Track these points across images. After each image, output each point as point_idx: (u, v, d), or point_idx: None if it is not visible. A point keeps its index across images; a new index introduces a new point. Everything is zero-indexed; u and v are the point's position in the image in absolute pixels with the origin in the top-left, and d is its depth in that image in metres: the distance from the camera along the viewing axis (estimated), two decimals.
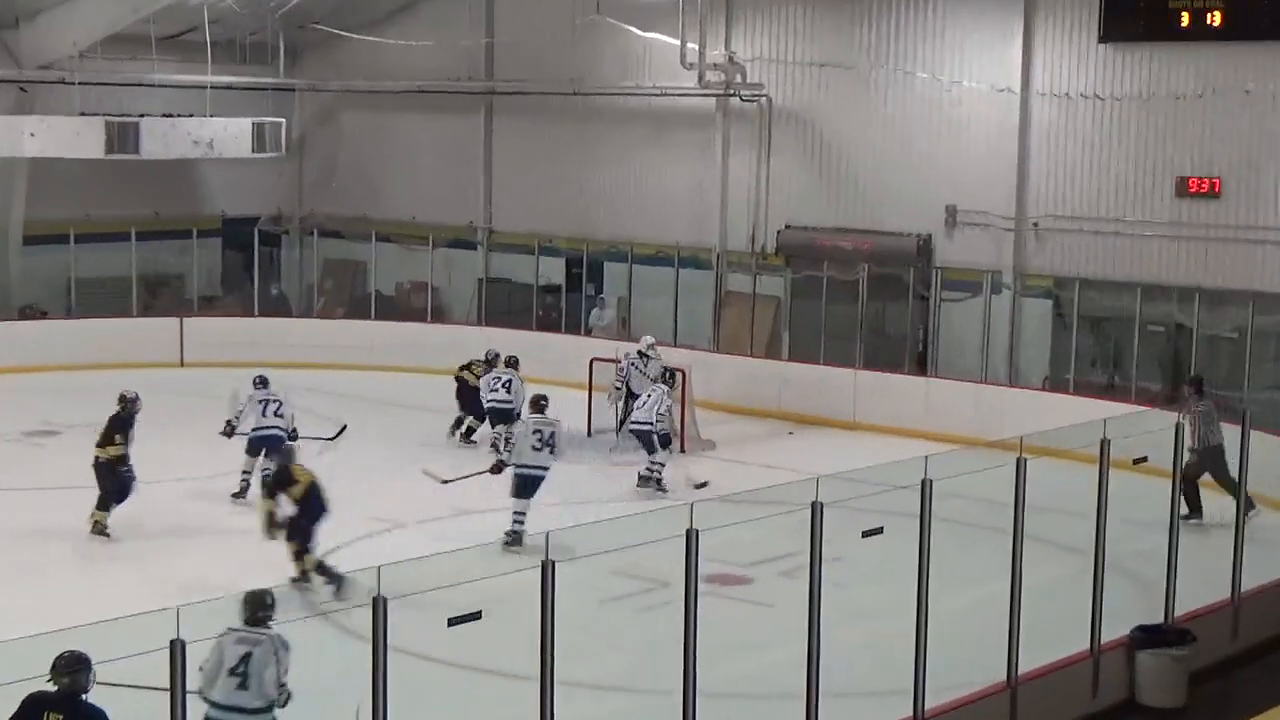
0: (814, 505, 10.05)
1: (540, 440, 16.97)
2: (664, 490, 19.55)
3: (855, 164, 26.56)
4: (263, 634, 9.83)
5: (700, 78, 27.20)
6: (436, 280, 30.10)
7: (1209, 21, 22.85)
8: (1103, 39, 23.91)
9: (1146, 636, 12.82)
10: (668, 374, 21.26)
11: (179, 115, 27.97)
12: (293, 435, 18.54)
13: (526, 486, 16.89)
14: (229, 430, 19.17)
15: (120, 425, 17.18)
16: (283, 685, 9.73)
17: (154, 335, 27.86)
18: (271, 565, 15.68)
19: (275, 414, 18.59)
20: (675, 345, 25.73)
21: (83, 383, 25.93)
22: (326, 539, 16.98)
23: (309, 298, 31.97)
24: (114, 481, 16.98)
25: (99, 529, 16.88)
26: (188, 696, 8.32)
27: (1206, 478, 17.62)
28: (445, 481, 17.83)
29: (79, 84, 27.88)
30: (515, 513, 16.72)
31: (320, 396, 21.78)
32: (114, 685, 8.69)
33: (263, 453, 18.34)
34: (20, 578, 15.62)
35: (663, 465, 19.73)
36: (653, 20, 28.02)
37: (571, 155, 29.95)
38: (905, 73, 25.81)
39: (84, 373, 26.45)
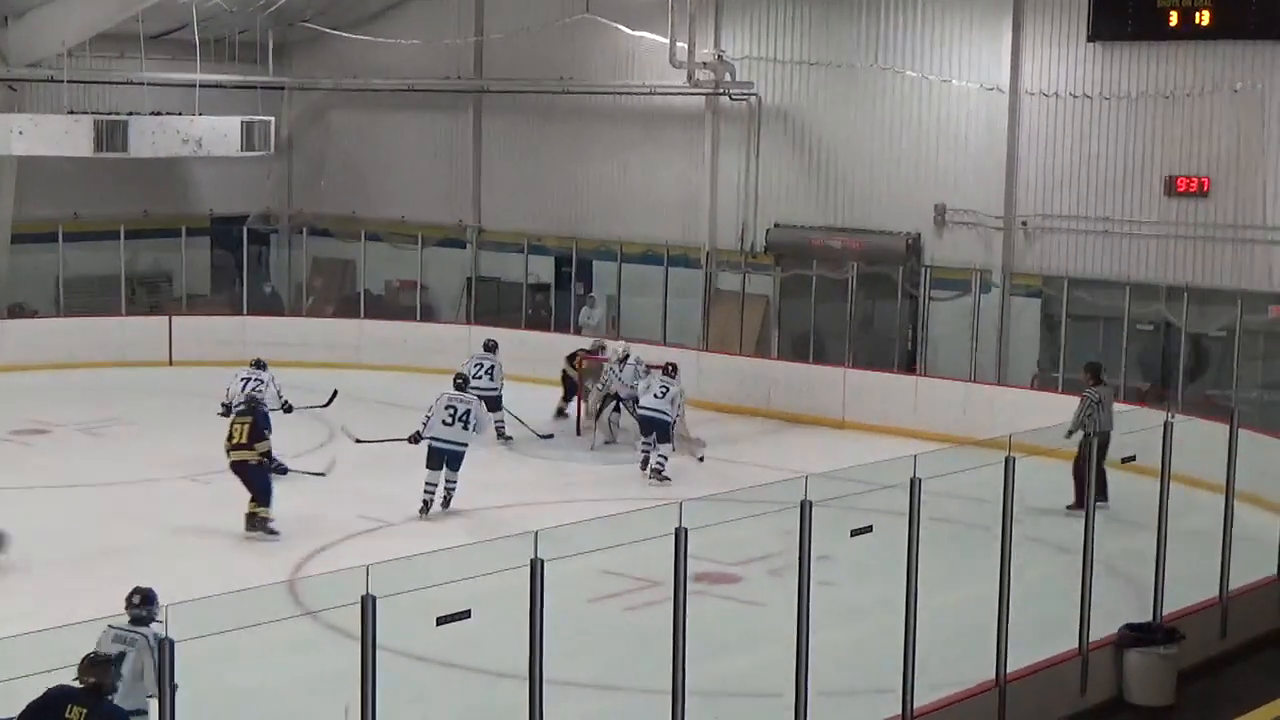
0: (803, 504, 10.05)
1: (452, 416, 18.04)
2: (668, 480, 19.93)
3: (844, 163, 26.57)
4: (139, 633, 9.80)
5: (689, 76, 27.18)
6: (426, 279, 30.08)
7: (1197, 21, 22.87)
8: (1091, 38, 23.93)
9: (1135, 635, 12.83)
10: (669, 367, 21.32)
11: (168, 114, 27.91)
12: (287, 409, 20.16)
13: (432, 458, 18.06)
14: (225, 410, 19.96)
15: (265, 422, 17.66)
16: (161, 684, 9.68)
17: (143, 334, 27.82)
18: (259, 563, 15.72)
19: (254, 392, 19.48)
20: (665, 344, 25.75)
21: (72, 382, 25.97)
22: (315, 538, 17.03)
23: (298, 296, 31.94)
24: (262, 478, 17.22)
25: (263, 525, 17.04)
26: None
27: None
28: (359, 441, 18.60)
29: (67, 82, 27.80)
30: (425, 483, 18.01)
31: (309, 394, 21.81)
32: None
33: None
34: (7, 577, 15.59)
35: (666, 458, 20.16)
36: (642, 19, 28.02)
37: (561, 154, 29.94)
38: (894, 71, 25.82)
39: (73, 371, 26.46)
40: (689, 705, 9.59)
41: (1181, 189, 23.37)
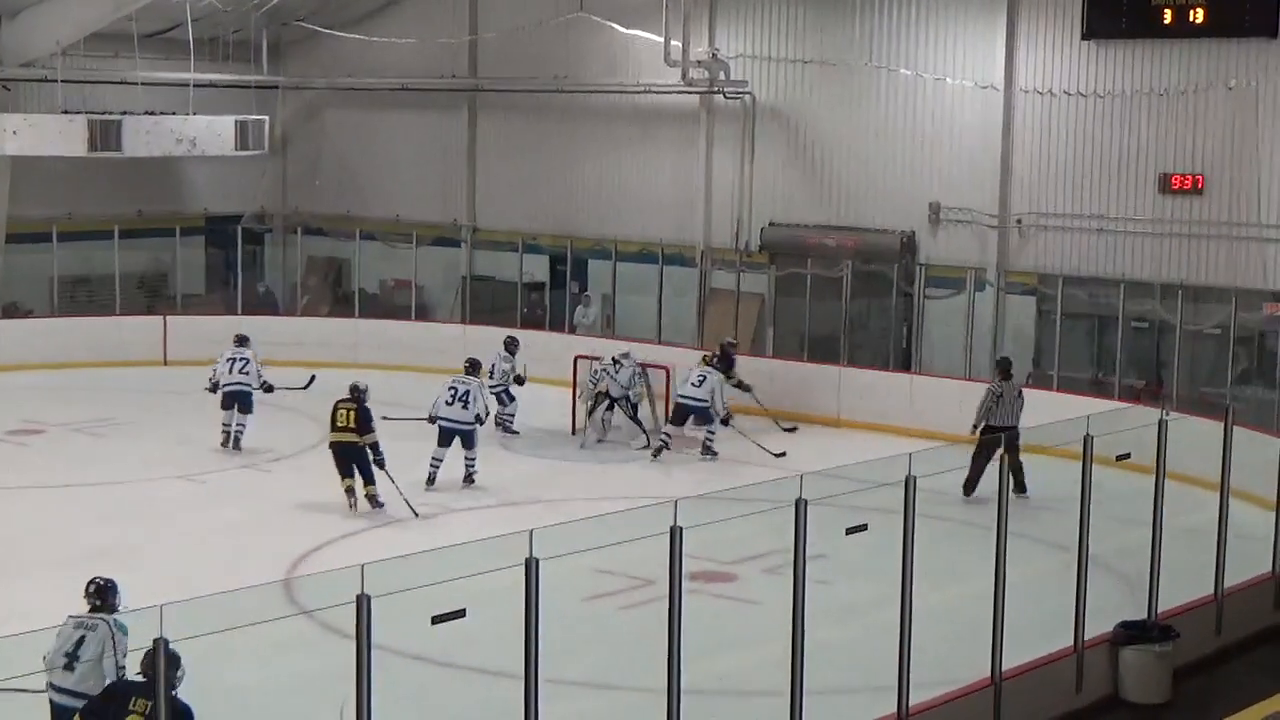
0: (798, 502, 10.04)
1: (453, 396, 19.27)
2: (716, 454, 21.26)
3: (839, 161, 26.57)
4: (98, 619, 9.95)
5: (684, 75, 27.20)
6: (420, 278, 30.05)
7: (1191, 18, 22.91)
8: (1086, 36, 23.96)
9: (1130, 633, 12.83)
10: (712, 356, 21.91)
11: (162, 113, 27.88)
12: (268, 389, 21.29)
13: (441, 436, 19.32)
14: (211, 387, 21.35)
15: (369, 416, 18.12)
16: (122, 669, 9.75)
17: (137, 333, 27.78)
18: (255, 562, 15.70)
19: (241, 371, 21.09)
20: (659, 343, 25.73)
21: (66, 381, 25.92)
22: (310, 537, 17.03)
23: (292, 296, 31.91)
24: (365, 461, 18.01)
25: (374, 500, 18.06)
26: None
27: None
28: (385, 418, 19.07)
29: (61, 82, 27.79)
30: (432, 458, 19.24)
31: (303, 393, 21.82)
32: None
33: (235, 406, 21.04)
34: (1, 577, 15.57)
35: (714, 433, 21.41)
36: (636, 17, 28.02)
37: (555, 152, 29.93)
38: (889, 70, 25.83)
39: (67, 371, 26.42)
40: (684, 704, 9.59)
41: (1176, 187, 23.40)
